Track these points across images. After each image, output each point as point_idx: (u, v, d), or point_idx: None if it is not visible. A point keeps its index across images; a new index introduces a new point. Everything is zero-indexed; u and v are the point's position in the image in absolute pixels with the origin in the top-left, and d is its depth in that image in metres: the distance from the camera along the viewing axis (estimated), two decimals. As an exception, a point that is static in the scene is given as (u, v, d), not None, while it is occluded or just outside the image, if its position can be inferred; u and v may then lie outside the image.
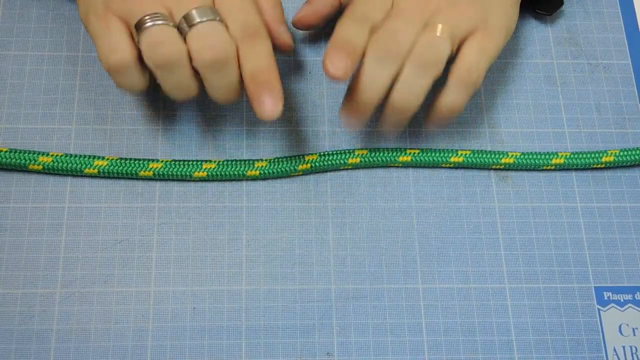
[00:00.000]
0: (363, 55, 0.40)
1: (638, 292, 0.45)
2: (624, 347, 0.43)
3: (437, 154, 0.46)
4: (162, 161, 0.44)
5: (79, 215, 0.44)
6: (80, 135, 0.45)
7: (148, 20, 0.37)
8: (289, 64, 0.49)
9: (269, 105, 0.39)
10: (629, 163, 0.47)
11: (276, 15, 0.42)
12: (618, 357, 0.43)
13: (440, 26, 0.40)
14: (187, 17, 0.38)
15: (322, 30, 0.49)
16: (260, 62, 0.39)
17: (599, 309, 0.44)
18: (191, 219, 0.44)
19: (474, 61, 0.41)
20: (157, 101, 0.46)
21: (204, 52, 0.38)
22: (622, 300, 0.44)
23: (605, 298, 0.44)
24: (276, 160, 0.45)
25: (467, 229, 0.45)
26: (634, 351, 0.43)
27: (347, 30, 0.41)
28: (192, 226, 0.44)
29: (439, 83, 0.42)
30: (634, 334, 0.43)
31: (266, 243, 0.44)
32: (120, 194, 0.44)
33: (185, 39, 0.38)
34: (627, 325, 0.44)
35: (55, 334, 0.41)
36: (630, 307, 0.44)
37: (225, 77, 0.39)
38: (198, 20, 0.37)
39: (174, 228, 0.44)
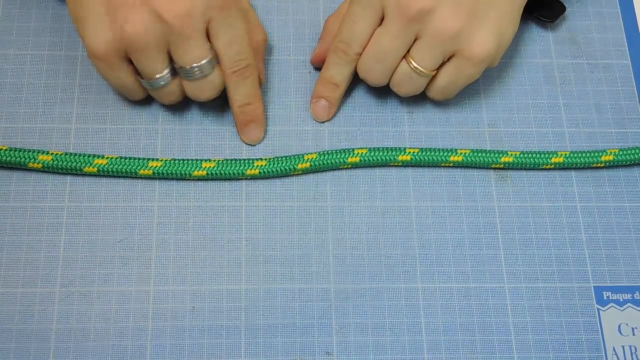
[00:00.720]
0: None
1: (637, 292, 0.45)
2: (623, 346, 0.43)
3: (437, 153, 0.46)
4: (161, 160, 0.44)
5: (78, 215, 0.44)
6: (80, 134, 0.45)
7: (161, 81, 0.42)
8: (289, 63, 0.49)
9: (254, 133, 0.46)
10: (628, 162, 0.47)
11: (259, 55, 0.47)
12: (617, 357, 0.43)
13: (414, 64, 0.43)
14: (186, 71, 0.41)
15: (320, 31, 0.49)
16: (248, 96, 0.44)
17: (598, 309, 0.44)
18: (191, 219, 0.44)
19: (447, 83, 0.44)
20: (156, 101, 0.46)
21: (198, 96, 0.43)
22: (621, 300, 0.44)
23: (605, 298, 0.44)
24: (275, 159, 0.45)
25: (466, 228, 0.45)
26: (633, 351, 0.43)
27: (329, 71, 0.46)
28: (192, 225, 0.44)
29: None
30: (634, 334, 0.43)
31: (265, 242, 0.44)
32: (120, 193, 0.44)
33: (181, 78, 0.43)
34: (627, 324, 0.44)
35: (55, 333, 0.41)
36: (629, 306, 0.44)
37: (210, 98, 0.44)
38: (197, 77, 0.42)
39: (173, 227, 0.44)
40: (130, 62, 0.41)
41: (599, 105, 0.49)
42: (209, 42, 0.41)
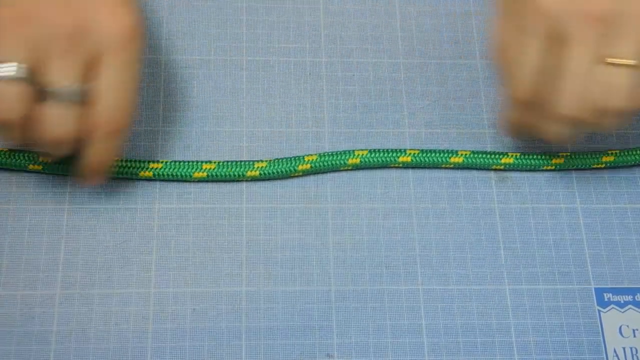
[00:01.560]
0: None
1: (638, 293, 0.45)
2: (624, 348, 0.43)
3: (437, 155, 0.46)
4: (162, 162, 0.44)
5: (78, 217, 0.44)
6: (80, 136, 0.45)
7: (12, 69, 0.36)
8: (289, 64, 0.49)
9: (90, 184, 0.42)
10: (629, 163, 0.47)
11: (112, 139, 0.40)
12: (618, 359, 0.43)
13: (618, 60, 0.37)
14: (51, 93, 0.36)
15: (321, 31, 0.49)
16: (104, 158, 0.40)
17: (599, 310, 0.44)
18: (191, 220, 0.44)
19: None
20: (157, 102, 0.46)
21: (45, 132, 0.37)
22: (622, 302, 0.44)
23: (606, 299, 0.44)
24: (276, 160, 0.45)
25: (467, 229, 0.45)
26: (634, 352, 0.43)
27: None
28: (192, 227, 0.44)
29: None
30: (634, 335, 0.43)
31: (266, 244, 0.44)
32: (120, 195, 0.44)
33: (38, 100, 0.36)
34: (628, 326, 0.44)
35: (55, 335, 0.41)
36: (630, 308, 0.44)
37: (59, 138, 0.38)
38: (57, 103, 0.36)
39: (173, 229, 0.44)
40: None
41: (600, 106, 0.49)
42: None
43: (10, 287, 0.42)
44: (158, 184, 0.45)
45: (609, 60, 0.37)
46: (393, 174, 0.46)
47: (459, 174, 0.47)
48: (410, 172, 0.46)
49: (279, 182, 0.45)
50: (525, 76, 0.38)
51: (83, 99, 0.37)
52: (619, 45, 0.37)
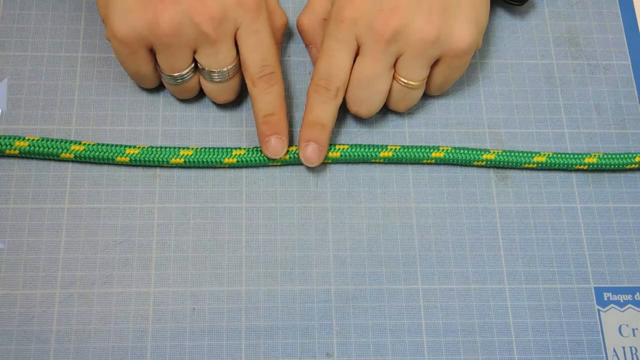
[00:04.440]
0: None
1: (638, 293, 0.45)
2: (623, 347, 0.43)
3: (419, 150, 0.46)
4: (139, 147, 0.44)
5: (78, 216, 0.44)
6: (80, 135, 0.45)
7: (179, 78, 0.43)
8: (288, 64, 0.49)
9: (276, 146, 0.44)
10: (610, 167, 0.46)
11: (278, 40, 0.46)
12: (618, 358, 0.43)
13: (404, 80, 0.43)
14: (209, 74, 0.42)
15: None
16: (272, 105, 0.43)
17: (598, 310, 0.44)
18: (191, 220, 0.44)
19: (442, 81, 0.45)
20: (156, 102, 0.46)
21: (215, 98, 0.45)
22: (621, 301, 0.44)
23: (605, 298, 0.44)
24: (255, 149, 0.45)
25: (466, 229, 0.45)
26: (634, 352, 0.43)
27: (314, 112, 0.44)
28: (192, 227, 0.44)
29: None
30: (634, 335, 0.43)
31: (266, 244, 0.44)
32: (120, 195, 0.44)
33: (201, 76, 0.43)
34: (627, 325, 0.44)
35: (55, 335, 0.41)
36: (630, 307, 0.44)
37: (227, 101, 0.46)
38: (219, 80, 0.43)
39: (173, 229, 0.44)
40: (152, 51, 0.42)
41: (599, 106, 0.49)
42: (236, 46, 0.42)
43: (10, 287, 0.42)
44: (158, 184, 0.45)
45: (403, 80, 0.43)
46: (393, 173, 0.46)
47: (459, 173, 0.47)
48: (410, 171, 0.46)
49: (278, 181, 0.45)
50: (327, 73, 0.44)
51: (237, 70, 0.43)
52: (402, 67, 0.43)
